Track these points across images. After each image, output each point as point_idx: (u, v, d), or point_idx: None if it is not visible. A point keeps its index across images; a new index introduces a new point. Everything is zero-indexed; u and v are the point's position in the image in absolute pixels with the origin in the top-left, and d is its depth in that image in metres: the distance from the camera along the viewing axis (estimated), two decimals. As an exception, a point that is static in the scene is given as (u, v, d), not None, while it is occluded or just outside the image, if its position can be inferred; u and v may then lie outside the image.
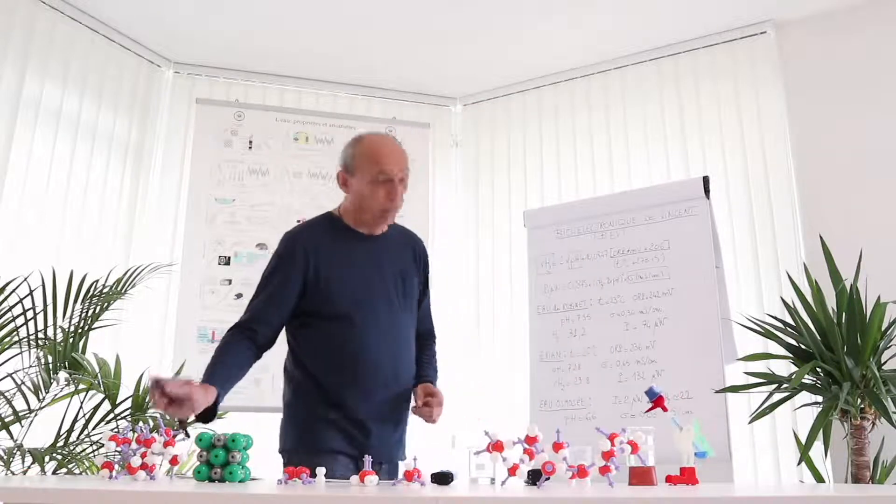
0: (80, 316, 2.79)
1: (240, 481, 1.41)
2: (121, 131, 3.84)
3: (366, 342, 1.91)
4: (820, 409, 2.49)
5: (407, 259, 2.08)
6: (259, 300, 1.95)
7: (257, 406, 3.45)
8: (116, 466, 1.48)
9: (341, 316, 1.92)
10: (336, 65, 4.13)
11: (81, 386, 2.71)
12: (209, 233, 3.66)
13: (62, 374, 2.72)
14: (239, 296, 3.56)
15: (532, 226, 3.36)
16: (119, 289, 2.88)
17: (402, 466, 1.34)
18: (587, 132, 4.09)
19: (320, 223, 2.05)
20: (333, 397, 1.89)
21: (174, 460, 1.51)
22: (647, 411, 1.45)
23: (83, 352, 2.78)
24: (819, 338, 2.57)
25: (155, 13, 3.68)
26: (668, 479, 1.34)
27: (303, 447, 1.87)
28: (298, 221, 3.72)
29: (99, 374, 2.72)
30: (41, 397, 2.68)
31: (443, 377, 2.15)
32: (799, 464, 2.73)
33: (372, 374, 1.91)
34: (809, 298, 2.63)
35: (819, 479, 2.79)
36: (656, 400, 1.43)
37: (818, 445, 2.54)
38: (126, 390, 2.77)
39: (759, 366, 2.72)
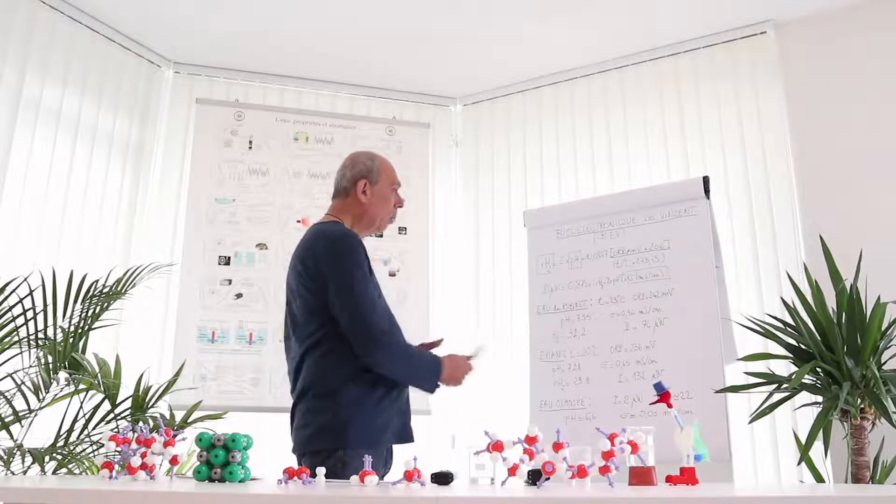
0: (80, 316, 2.79)
1: (240, 481, 1.41)
2: (121, 131, 3.84)
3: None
4: (820, 409, 2.48)
5: None
6: (374, 300, 1.99)
7: (257, 406, 3.46)
8: (116, 466, 1.48)
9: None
10: (336, 65, 4.13)
11: (81, 386, 2.70)
12: (209, 233, 3.65)
13: (62, 374, 2.72)
14: (239, 296, 3.55)
15: (532, 226, 3.36)
16: (119, 289, 2.88)
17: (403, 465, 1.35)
18: (587, 132, 4.09)
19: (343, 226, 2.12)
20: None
21: (174, 460, 1.51)
22: (652, 403, 1.46)
23: (83, 352, 2.78)
24: (819, 338, 2.57)
25: (155, 13, 3.68)
26: (668, 479, 1.34)
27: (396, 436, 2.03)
28: (299, 222, 3.73)
29: (99, 374, 2.72)
30: (41, 397, 2.68)
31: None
32: (799, 464, 2.73)
33: None
34: (809, 298, 2.63)
35: (819, 479, 2.79)
36: (663, 395, 1.44)
37: (818, 445, 2.53)
38: (126, 390, 2.77)
39: (759, 366, 2.72)
